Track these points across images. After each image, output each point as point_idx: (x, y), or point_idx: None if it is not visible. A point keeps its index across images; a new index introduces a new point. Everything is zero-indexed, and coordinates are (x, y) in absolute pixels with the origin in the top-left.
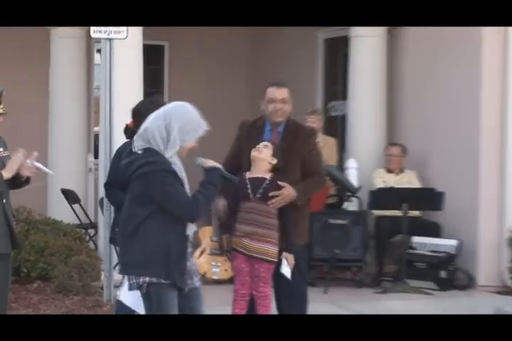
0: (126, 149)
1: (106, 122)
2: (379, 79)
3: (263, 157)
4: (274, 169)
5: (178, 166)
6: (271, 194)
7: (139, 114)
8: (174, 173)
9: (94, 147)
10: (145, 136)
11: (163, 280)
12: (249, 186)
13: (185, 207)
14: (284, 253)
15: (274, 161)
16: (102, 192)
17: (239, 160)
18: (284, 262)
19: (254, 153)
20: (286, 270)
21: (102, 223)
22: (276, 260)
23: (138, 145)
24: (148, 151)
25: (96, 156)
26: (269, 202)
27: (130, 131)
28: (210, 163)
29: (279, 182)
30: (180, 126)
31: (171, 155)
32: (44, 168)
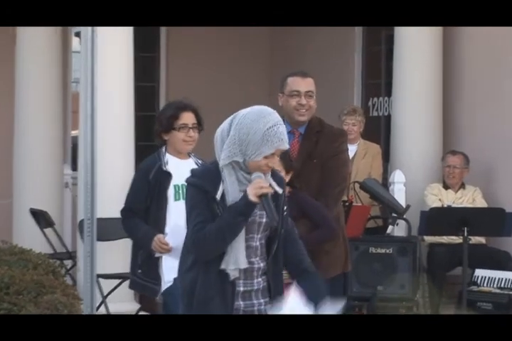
0: (153, 166)
1: (87, 125)
2: (433, 69)
3: None
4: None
5: (233, 186)
6: None
7: None
8: (201, 190)
9: (72, 156)
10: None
11: None
12: None
13: (188, 235)
14: None
15: None
16: (81, 214)
17: None
18: None
19: None
20: None
21: (82, 252)
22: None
23: None
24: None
25: (74, 168)
26: None
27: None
28: (253, 187)
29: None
30: (239, 135)
31: (222, 166)
32: None
